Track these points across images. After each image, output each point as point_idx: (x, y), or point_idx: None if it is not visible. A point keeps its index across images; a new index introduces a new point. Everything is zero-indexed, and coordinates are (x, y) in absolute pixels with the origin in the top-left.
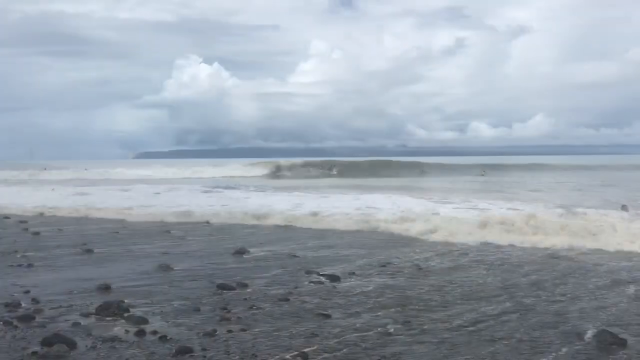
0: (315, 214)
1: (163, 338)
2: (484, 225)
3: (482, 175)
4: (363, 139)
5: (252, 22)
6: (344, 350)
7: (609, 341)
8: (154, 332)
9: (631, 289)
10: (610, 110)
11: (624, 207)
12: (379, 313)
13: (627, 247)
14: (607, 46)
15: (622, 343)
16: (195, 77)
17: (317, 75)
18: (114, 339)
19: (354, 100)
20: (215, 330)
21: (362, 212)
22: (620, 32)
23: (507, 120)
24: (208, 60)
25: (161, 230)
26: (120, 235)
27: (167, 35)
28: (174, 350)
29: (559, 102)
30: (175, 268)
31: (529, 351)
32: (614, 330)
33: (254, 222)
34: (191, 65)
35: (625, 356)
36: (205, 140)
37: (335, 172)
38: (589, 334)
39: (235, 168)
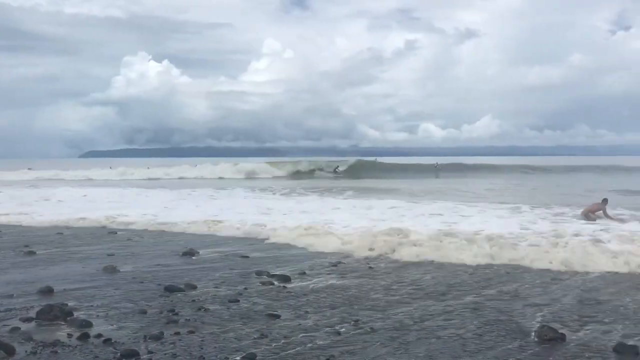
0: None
1: (107, 341)
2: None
3: (436, 167)
4: (317, 139)
5: (203, 20)
6: (292, 350)
7: (549, 336)
8: (98, 336)
9: (572, 286)
10: (554, 112)
11: (604, 201)
12: (328, 313)
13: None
14: (551, 50)
15: (562, 337)
16: (144, 74)
17: (270, 75)
18: (55, 343)
19: (307, 100)
20: (162, 333)
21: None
22: (564, 37)
23: (457, 122)
24: (157, 58)
25: (106, 232)
26: (64, 236)
27: (115, 32)
28: (118, 354)
29: (506, 104)
30: (121, 270)
31: (475, 347)
32: (555, 325)
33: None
34: (140, 63)
35: (564, 350)
36: (156, 139)
37: (340, 173)
38: (532, 330)
39: (240, 170)
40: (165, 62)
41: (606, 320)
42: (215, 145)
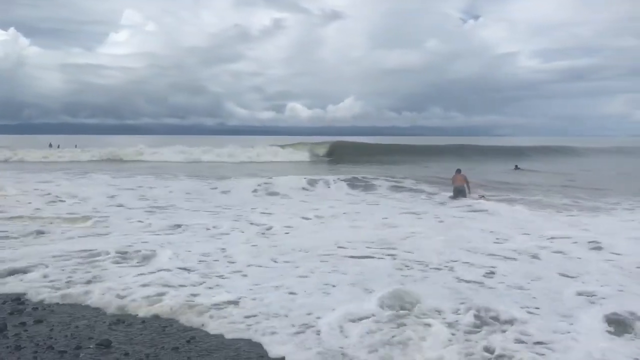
0: None
1: None
2: None
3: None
4: (182, 117)
5: None
6: None
7: None
8: None
9: None
10: (412, 95)
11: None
12: None
13: None
14: (410, 36)
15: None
16: None
17: (131, 48)
18: None
19: (171, 76)
20: None
21: None
22: (421, 23)
23: (322, 102)
24: (2, 25)
25: None
26: None
27: None
28: None
29: (368, 86)
30: None
31: None
32: None
33: None
34: None
35: None
36: (3, 115)
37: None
38: None
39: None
40: (12, 30)
41: None
42: (71, 121)
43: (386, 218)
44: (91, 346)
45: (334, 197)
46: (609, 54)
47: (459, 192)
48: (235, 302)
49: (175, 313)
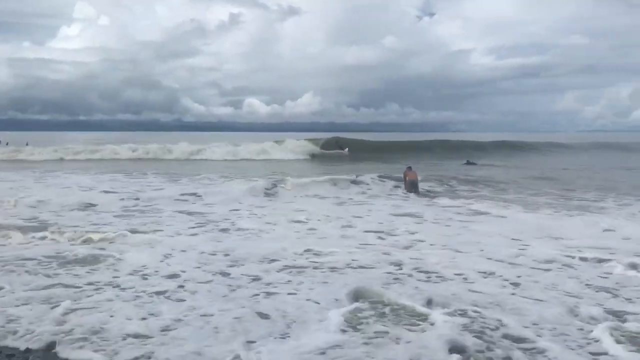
0: None
1: None
2: None
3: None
4: (137, 112)
5: None
6: None
7: None
8: None
9: None
10: (369, 91)
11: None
12: None
13: None
14: (367, 32)
15: None
16: None
17: (83, 42)
18: None
19: (126, 71)
20: None
21: None
22: (378, 19)
23: (280, 98)
24: None
25: None
26: None
27: None
28: None
29: (326, 82)
30: None
31: None
32: None
33: None
34: None
35: None
36: None
37: (347, 153)
38: None
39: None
40: None
41: None
42: (20, 117)
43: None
44: None
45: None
46: (559, 52)
47: (413, 186)
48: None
49: None
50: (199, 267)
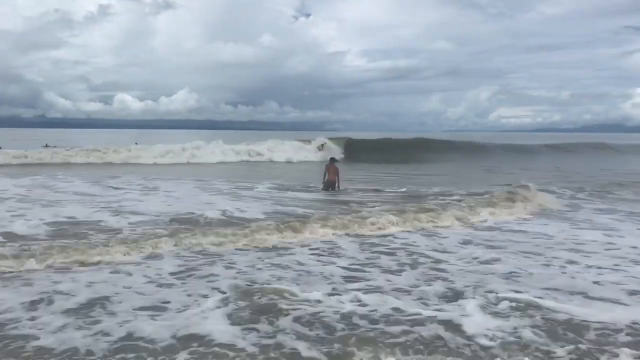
0: None
1: None
2: None
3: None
4: None
5: None
6: None
7: None
8: None
9: None
10: (247, 89)
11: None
12: None
13: None
14: (244, 30)
15: None
16: None
17: None
18: None
19: None
20: None
21: None
22: (255, 17)
23: (154, 94)
24: None
25: None
26: None
27: None
28: None
29: (203, 79)
30: None
31: None
32: None
33: None
34: None
35: None
36: None
37: (323, 149)
38: None
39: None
40: None
41: None
42: None
43: None
44: None
45: None
46: (425, 56)
47: (331, 184)
48: None
49: None
50: None
